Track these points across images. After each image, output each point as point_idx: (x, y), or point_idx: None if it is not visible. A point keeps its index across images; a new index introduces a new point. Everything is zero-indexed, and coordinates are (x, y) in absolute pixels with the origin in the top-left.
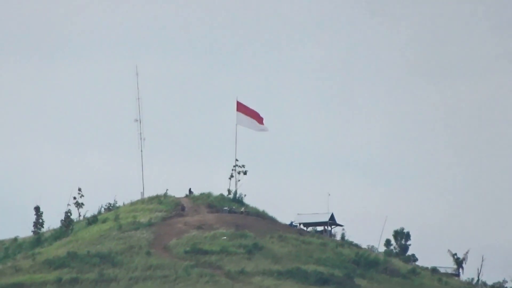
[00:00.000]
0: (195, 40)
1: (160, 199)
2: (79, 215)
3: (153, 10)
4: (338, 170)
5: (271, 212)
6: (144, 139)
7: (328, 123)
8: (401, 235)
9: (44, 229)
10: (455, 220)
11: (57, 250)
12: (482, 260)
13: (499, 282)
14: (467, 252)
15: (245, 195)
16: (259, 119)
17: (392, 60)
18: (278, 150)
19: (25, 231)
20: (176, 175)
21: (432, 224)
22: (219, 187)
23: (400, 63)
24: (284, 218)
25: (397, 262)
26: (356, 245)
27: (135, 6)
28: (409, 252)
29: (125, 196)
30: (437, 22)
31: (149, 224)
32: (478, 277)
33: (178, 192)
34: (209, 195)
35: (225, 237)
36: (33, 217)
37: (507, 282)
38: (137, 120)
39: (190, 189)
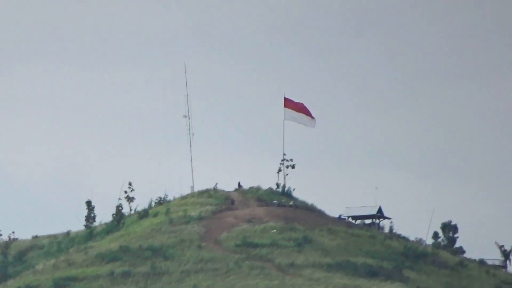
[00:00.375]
0: (243, 37)
1: (210, 193)
2: (130, 209)
3: (201, 9)
4: (385, 164)
5: (319, 206)
6: (193, 134)
7: (376, 118)
8: (449, 228)
9: (96, 223)
10: (502, 213)
11: (109, 244)
12: None
13: None
14: None
15: (293, 189)
16: (308, 113)
17: (441, 59)
18: (326, 145)
19: (78, 225)
20: (225, 169)
21: (479, 216)
22: (267, 181)
23: (448, 62)
24: (333, 211)
25: (445, 255)
26: (404, 238)
27: (183, 5)
28: (457, 245)
29: (175, 190)
30: None
31: (200, 218)
32: None
33: (228, 186)
34: (258, 189)
35: (274, 230)
36: (85, 212)
37: None
38: (185, 116)
39: (239, 183)
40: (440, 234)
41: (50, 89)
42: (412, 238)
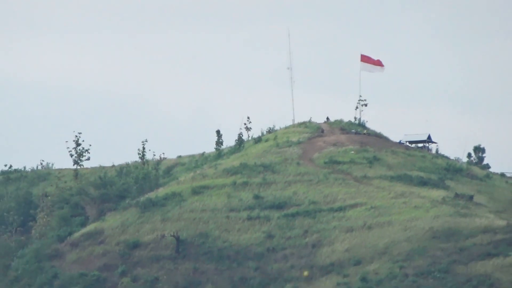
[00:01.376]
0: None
1: (306, 124)
2: (248, 136)
3: None
4: (434, 100)
5: (385, 133)
6: (294, 81)
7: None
8: (479, 150)
9: (223, 146)
10: None
11: (233, 161)
12: None
13: None
14: None
15: (366, 121)
16: (379, 63)
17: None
18: (392, 86)
19: (210, 148)
20: (317, 106)
21: (503, 140)
22: (348, 115)
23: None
24: (395, 137)
25: (475, 169)
26: (447, 157)
27: None
28: (485, 162)
29: (281, 122)
30: None
31: (298, 143)
32: None
33: (319, 119)
34: (341, 121)
35: (353, 152)
36: (215, 138)
37: None
38: (288, 68)
39: (327, 117)
40: (473, 154)
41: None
42: (452, 157)
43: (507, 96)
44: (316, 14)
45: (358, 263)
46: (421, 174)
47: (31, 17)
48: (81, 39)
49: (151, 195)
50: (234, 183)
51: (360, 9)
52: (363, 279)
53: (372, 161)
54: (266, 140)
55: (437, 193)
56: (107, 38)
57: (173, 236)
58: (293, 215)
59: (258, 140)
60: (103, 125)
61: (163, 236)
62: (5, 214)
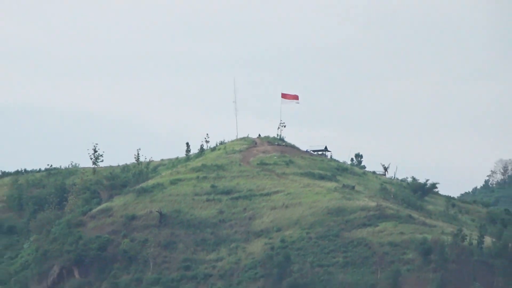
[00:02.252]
0: None
1: (245, 139)
2: (207, 147)
3: None
4: (331, 123)
5: (297, 145)
6: (237, 111)
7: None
8: (358, 156)
9: (191, 153)
10: None
11: (197, 163)
12: None
13: None
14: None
15: (285, 137)
16: (296, 98)
17: None
18: (303, 113)
19: (182, 154)
20: (253, 127)
21: (374, 149)
22: (273, 133)
23: None
24: (303, 147)
25: (356, 169)
26: (337, 161)
27: None
28: (362, 164)
29: (229, 137)
30: None
31: (240, 151)
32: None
33: (254, 135)
34: (268, 137)
35: (275, 157)
36: (185, 148)
37: None
38: (234, 102)
39: (259, 134)
40: (354, 159)
41: None
42: (340, 161)
43: (378, 118)
44: (252, 65)
45: (279, 230)
46: (320, 171)
47: None
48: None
49: (143, 184)
50: (198, 177)
51: (284, 59)
52: (282, 241)
53: (288, 163)
54: (219, 149)
55: (331, 184)
56: (109, 68)
57: (158, 211)
58: (236, 198)
59: (213, 149)
60: (112, 138)
61: (150, 211)
62: (47, 197)
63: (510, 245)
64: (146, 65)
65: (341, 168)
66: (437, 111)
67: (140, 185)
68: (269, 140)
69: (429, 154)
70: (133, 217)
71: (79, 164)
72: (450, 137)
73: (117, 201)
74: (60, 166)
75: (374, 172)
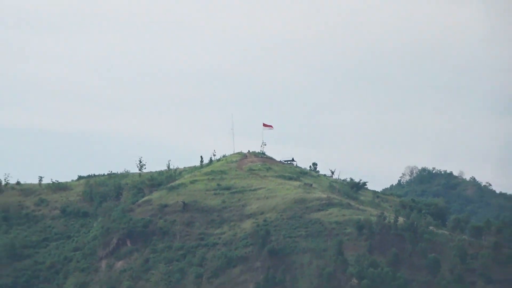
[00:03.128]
0: None
1: (239, 153)
2: (213, 159)
3: None
4: (294, 141)
5: (274, 157)
6: (234, 135)
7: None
8: (315, 164)
9: (203, 163)
10: None
11: (207, 169)
12: None
13: None
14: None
15: (265, 152)
16: (271, 126)
17: None
18: (276, 136)
19: (197, 163)
20: (244, 146)
21: (327, 159)
22: (257, 149)
23: None
24: (278, 158)
25: (313, 173)
26: (300, 167)
27: None
28: (317, 169)
29: (228, 152)
30: None
31: (236, 161)
32: None
33: (245, 151)
34: (254, 152)
35: (259, 165)
36: (199, 159)
37: None
38: (232, 129)
39: (248, 150)
40: (312, 166)
41: None
42: (303, 167)
43: (327, 138)
44: (245, 103)
45: (262, 213)
46: (289, 174)
47: None
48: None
49: (172, 184)
50: (208, 178)
51: (264, 100)
52: (264, 220)
53: (268, 169)
54: (222, 160)
55: (296, 183)
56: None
57: (182, 202)
58: (234, 193)
59: (218, 160)
60: (151, 153)
61: (177, 201)
62: (108, 192)
63: (414, 222)
64: (172, 104)
65: (303, 172)
66: (366, 134)
67: (170, 184)
68: (255, 154)
69: (361, 162)
70: (166, 205)
71: (129, 170)
72: (375, 152)
73: (155, 195)
74: (117, 172)
75: (325, 175)
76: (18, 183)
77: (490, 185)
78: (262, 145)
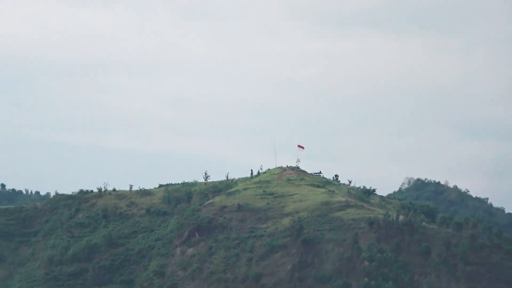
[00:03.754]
0: None
1: (280, 167)
2: (261, 171)
3: None
4: (322, 158)
5: (306, 170)
6: (276, 153)
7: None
8: (336, 176)
9: (253, 174)
10: None
11: (256, 179)
12: None
13: None
14: None
15: (299, 166)
16: (303, 147)
17: None
18: (307, 156)
19: (248, 174)
20: (284, 162)
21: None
22: (294, 164)
23: None
24: (310, 171)
25: (335, 182)
26: (326, 178)
27: None
28: (339, 179)
29: (271, 166)
30: None
31: (277, 173)
32: None
33: (284, 165)
34: (291, 166)
35: (295, 176)
36: (250, 172)
37: None
38: (274, 148)
39: (287, 165)
40: (335, 177)
41: None
42: (328, 178)
43: (346, 156)
44: (285, 129)
45: (297, 212)
46: (317, 183)
47: None
48: None
49: (230, 190)
50: (256, 186)
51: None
52: (299, 218)
53: (301, 179)
54: (267, 173)
55: (323, 190)
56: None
57: (237, 204)
58: (276, 197)
59: (264, 172)
60: (213, 168)
61: (233, 204)
62: (182, 197)
63: (411, 219)
64: (230, 129)
65: (328, 182)
66: (375, 153)
67: (228, 190)
68: (291, 168)
69: (371, 174)
70: (225, 207)
71: (198, 180)
72: (382, 166)
73: (217, 199)
74: (189, 181)
75: (344, 184)
76: (114, 189)
77: (468, 191)
78: (297, 161)
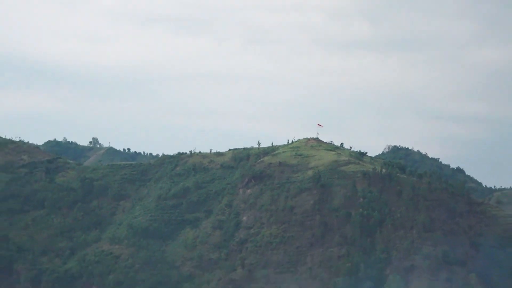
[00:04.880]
0: None
1: (306, 139)
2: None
3: None
4: (340, 130)
5: (324, 140)
6: (318, 133)
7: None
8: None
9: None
10: None
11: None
12: None
13: None
14: None
15: (318, 137)
16: (321, 125)
17: None
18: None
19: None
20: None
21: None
22: (314, 136)
23: None
24: (327, 141)
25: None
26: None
27: None
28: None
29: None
30: None
31: (305, 142)
32: None
33: (307, 136)
34: (313, 138)
35: (316, 144)
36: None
37: None
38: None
39: (311, 137)
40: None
41: None
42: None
43: (352, 133)
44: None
45: (317, 167)
46: (330, 148)
47: None
48: None
49: (274, 153)
50: (291, 150)
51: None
52: (318, 170)
53: (320, 146)
54: (297, 142)
55: (334, 152)
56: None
57: (279, 161)
58: (304, 157)
59: (296, 141)
60: (265, 140)
61: (277, 161)
62: (245, 157)
63: (390, 172)
64: (283, 116)
65: (336, 147)
66: (368, 130)
67: (273, 153)
68: (313, 139)
69: (365, 143)
70: (270, 163)
71: (253, 146)
72: (373, 137)
73: (266, 158)
74: (247, 147)
75: (347, 148)
76: (199, 152)
77: (426, 153)
78: (317, 134)
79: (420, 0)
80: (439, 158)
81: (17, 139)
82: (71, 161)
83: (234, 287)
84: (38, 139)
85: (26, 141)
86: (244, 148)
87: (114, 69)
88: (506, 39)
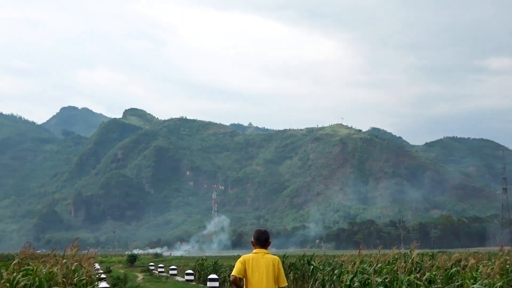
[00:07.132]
0: None
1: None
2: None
3: None
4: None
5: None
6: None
7: None
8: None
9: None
10: None
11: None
12: None
13: None
14: None
15: (343, 121)
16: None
17: None
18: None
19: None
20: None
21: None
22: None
23: None
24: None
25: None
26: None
27: None
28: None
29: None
30: None
31: (337, 125)
32: None
33: (339, 121)
34: (338, 124)
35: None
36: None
37: None
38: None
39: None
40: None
41: None
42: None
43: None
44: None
45: (342, 135)
46: (345, 126)
47: None
48: None
49: (316, 133)
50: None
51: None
52: (341, 138)
53: (341, 126)
54: (329, 128)
55: (347, 128)
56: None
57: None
58: (328, 134)
59: (330, 126)
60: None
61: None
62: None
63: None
64: (327, 105)
65: (347, 127)
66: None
67: (315, 133)
68: (338, 124)
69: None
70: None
71: (295, 128)
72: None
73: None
74: (288, 128)
75: (351, 127)
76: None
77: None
78: (341, 119)
79: None
80: (401, 137)
81: None
82: None
83: None
84: None
85: None
86: (297, 130)
87: None
88: None
